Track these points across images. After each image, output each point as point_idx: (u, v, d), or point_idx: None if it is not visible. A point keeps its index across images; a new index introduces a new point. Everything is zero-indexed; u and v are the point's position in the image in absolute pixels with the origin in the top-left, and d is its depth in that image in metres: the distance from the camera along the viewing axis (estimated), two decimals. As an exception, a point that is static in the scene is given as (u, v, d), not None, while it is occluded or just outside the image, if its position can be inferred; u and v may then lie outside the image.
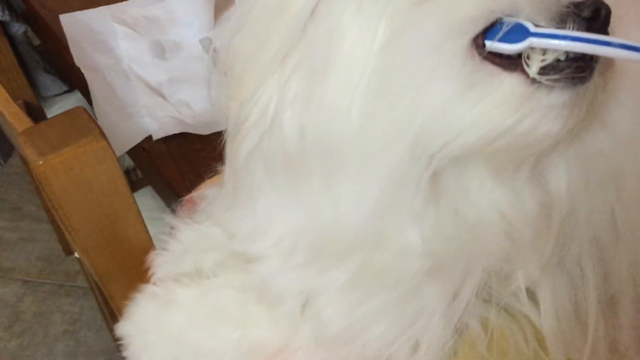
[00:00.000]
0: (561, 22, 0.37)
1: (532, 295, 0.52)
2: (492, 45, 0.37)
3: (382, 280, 0.46)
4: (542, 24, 0.37)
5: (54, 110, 1.38)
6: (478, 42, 0.37)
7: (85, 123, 0.54)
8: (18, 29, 1.22)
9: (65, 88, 1.40)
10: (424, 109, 0.38)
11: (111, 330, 1.46)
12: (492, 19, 0.37)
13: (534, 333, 0.52)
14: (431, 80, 0.38)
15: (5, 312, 1.58)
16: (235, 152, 0.48)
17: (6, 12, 1.16)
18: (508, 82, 0.37)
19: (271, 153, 0.45)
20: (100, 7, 0.98)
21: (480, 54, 0.37)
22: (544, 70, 0.37)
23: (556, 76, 0.36)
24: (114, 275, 0.62)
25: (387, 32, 0.39)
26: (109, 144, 0.54)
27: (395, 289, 0.46)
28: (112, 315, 1.43)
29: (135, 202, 0.59)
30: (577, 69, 0.37)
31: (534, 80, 0.37)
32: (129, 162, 1.06)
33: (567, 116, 0.38)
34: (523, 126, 0.37)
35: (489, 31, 0.37)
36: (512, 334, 0.51)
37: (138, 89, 0.84)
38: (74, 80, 0.95)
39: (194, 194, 0.66)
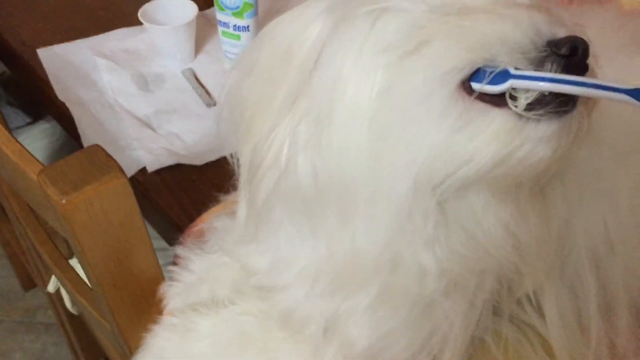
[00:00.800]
0: (540, 65, 0.41)
1: (537, 307, 0.56)
2: (478, 88, 0.41)
3: (402, 300, 0.49)
4: (521, 67, 0.41)
5: (21, 140, 1.35)
6: (465, 85, 0.42)
7: (104, 160, 0.55)
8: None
9: (28, 120, 1.38)
10: (422, 148, 0.42)
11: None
12: (474, 68, 0.41)
13: (541, 342, 0.56)
14: (424, 125, 0.42)
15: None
16: (254, 193, 0.50)
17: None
18: (499, 118, 0.41)
19: (289, 193, 0.48)
20: (77, 41, 0.98)
21: (469, 94, 0.41)
22: (530, 106, 0.41)
23: (541, 111, 0.41)
24: (125, 309, 0.62)
25: (382, 82, 0.43)
26: (127, 179, 0.55)
27: (414, 307, 0.49)
28: (84, 350, 1.40)
29: (149, 236, 0.60)
30: (560, 103, 0.41)
31: (522, 115, 0.41)
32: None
33: (556, 144, 0.41)
34: (516, 157, 0.41)
35: (475, 74, 0.42)
36: (522, 345, 0.55)
37: (126, 121, 0.84)
38: (55, 115, 0.95)
39: (201, 225, 0.68)
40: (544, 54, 0.41)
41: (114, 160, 0.55)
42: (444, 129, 0.41)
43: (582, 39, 0.42)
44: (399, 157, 0.43)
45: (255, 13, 0.89)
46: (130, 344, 0.67)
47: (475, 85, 0.41)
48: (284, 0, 0.55)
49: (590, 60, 0.42)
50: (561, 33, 0.42)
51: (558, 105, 0.41)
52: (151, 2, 0.93)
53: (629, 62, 0.57)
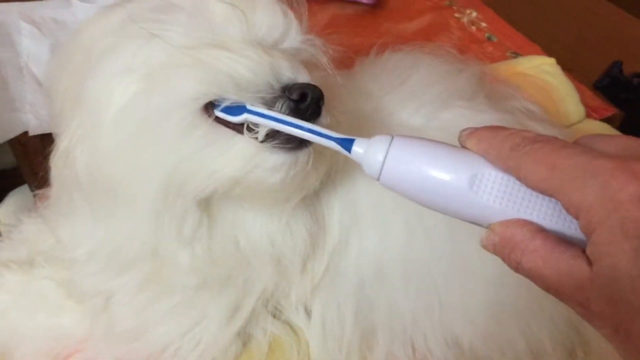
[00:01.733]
0: (272, 104, 0.46)
1: (309, 314, 0.60)
2: (218, 114, 0.47)
3: (166, 288, 0.54)
4: (254, 105, 0.46)
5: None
6: (209, 109, 0.47)
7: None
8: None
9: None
10: (168, 160, 0.47)
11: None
12: (208, 99, 0.47)
13: (306, 344, 0.61)
14: (169, 140, 0.47)
15: None
16: (54, 173, 0.56)
17: None
18: (240, 143, 0.46)
19: (71, 180, 0.53)
20: (11, 3, 1.03)
21: (211, 117, 0.47)
22: (267, 136, 0.46)
23: (275, 142, 0.45)
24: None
25: (132, 98, 0.48)
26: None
27: (176, 297, 0.54)
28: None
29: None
30: (287, 140, 0.47)
31: (260, 143, 0.46)
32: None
33: (284, 174, 0.47)
34: (252, 178, 0.46)
35: (218, 101, 0.47)
36: (289, 346, 0.60)
37: (28, 85, 0.89)
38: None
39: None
40: (277, 95, 0.46)
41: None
42: (188, 145, 0.46)
43: (315, 87, 0.47)
44: (148, 165, 0.48)
45: None
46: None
47: (217, 113, 0.47)
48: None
49: (324, 108, 0.47)
50: (300, 79, 0.47)
51: (285, 141, 0.46)
52: (83, -21, 0.97)
53: (432, 114, 0.61)
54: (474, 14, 1.23)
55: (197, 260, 0.51)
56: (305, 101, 0.46)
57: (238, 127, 0.47)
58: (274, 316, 0.60)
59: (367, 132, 0.60)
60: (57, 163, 0.54)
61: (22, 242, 0.65)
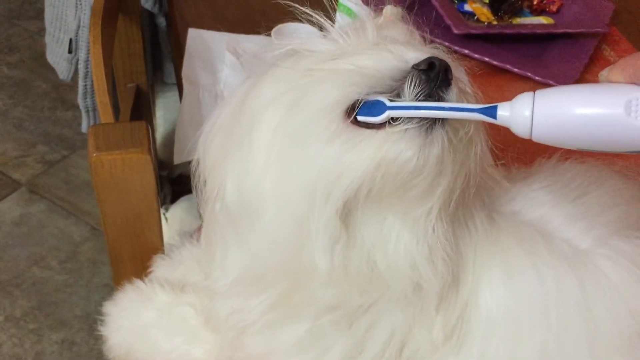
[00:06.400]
0: (402, 86, 0.49)
1: None
2: (360, 118, 0.49)
3: (295, 312, 0.55)
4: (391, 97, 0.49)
5: (167, 95, 1.54)
6: (350, 115, 0.49)
7: (141, 136, 0.66)
8: (162, 21, 1.40)
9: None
10: (315, 165, 0.50)
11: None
12: (351, 100, 0.50)
13: None
14: (315, 147, 0.50)
15: (66, 248, 1.76)
16: (206, 217, 0.60)
17: (157, 5, 1.33)
18: (379, 136, 0.49)
19: (220, 213, 0.57)
20: (222, 32, 1.12)
21: (354, 123, 0.49)
22: (400, 120, 0.48)
23: (410, 124, 0.48)
24: (122, 262, 0.73)
25: (281, 116, 0.52)
26: (152, 158, 0.66)
27: (305, 324, 0.55)
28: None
29: (158, 209, 0.70)
30: (426, 119, 0.48)
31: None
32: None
33: (423, 151, 0.48)
34: (389, 156, 0.48)
35: (358, 106, 0.49)
36: None
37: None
38: (179, 86, 1.09)
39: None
40: (406, 73, 0.49)
41: (149, 140, 0.66)
42: (333, 150, 0.49)
43: (440, 58, 0.49)
44: (295, 175, 0.51)
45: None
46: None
47: (359, 118, 0.49)
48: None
49: (455, 77, 0.50)
50: (424, 57, 0.50)
51: (422, 120, 0.48)
52: (288, 24, 1.03)
53: (602, 240, 0.57)
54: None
55: (335, 271, 0.52)
56: (433, 69, 0.48)
57: (377, 126, 0.49)
58: None
59: (530, 243, 0.58)
60: (209, 202, 0.58)
61: (179, 264, 0.70)
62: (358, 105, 0.49)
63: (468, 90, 0.53)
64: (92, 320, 1.60)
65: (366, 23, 0.56)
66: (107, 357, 0.71)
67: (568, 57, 1.07)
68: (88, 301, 1.64)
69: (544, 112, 0.41)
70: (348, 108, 0.50)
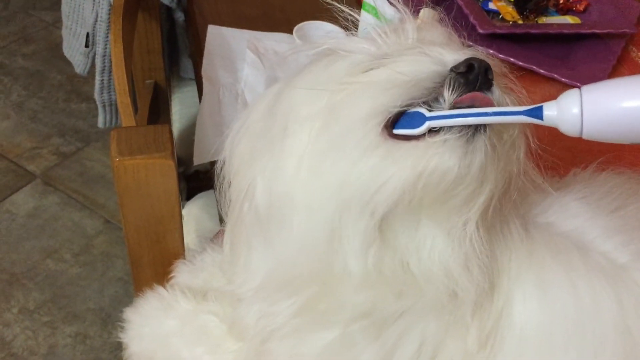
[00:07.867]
0: (436, 101, 0.47)
1: None
2: (399, 132, 0.48)
3: (322, 320, 0.54)
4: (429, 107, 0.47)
5: (183, 90, 1.53)
6: (389, 128, 0.48)
7: (164, 140, 0.64)
8: (180, 15, 1.38)
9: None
10: (352, 176, 0.48)
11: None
12: (390, 113, 0.48)
13: None
14: (351, 156, 0.48)
15: (80, 240, 1.75)
16: (231, 219, 0.59)
17: (175, 0, 1.31)
18: (420, 147, 0.47)
19: (249, 216, 0.55)
20: (243, 30, 1.10)
21: (392, 136, 0.48)
22: (441, 129, 0.46)
23: (450, 134, 0.46)
24: (142, 267, 0.72)
25: (319, 129, 0.50)
26: (175, 163, 0.64)
27: (334, 329, 0.53)
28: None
29: (180, 214, 0.69)
30: (468, 127, 0.46)
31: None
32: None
33: (465, 159, 0.46)
34: (430, 166, 0.46)
35: (398, 120, 0.48)
36: None
37: (240, 112, 0.94)
38: (197, 83, 1.08)
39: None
40: (444, 77, 0.47)
41: (172, 144, 0.64)
42: (372, 162, 0.47)
43: (479, 59, 0.47)
44: (328, 182, 0.49)
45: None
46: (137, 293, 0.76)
47: (396, 131, 0.47)
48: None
49: (496, 78, 0.48)
50: (462, 58, 0.48)
51: (464, 128, 0.46)
52: (309, 22, 1.01)
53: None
54: None
55: (369, 273, 0.50)
56: (472, 71, 0.47)
57: (418, 137, 0.48)
58: None
59: (565, 256, 0.56)
60: (234, 203, 0.57)
61: (201, 270, 0.69)
62: (396, 118, 0.48)
63: (512, 87, 0.52)
64: (105, 314, 1.60)
65: (407, 24, 0.54)
66: (120, 351, 0.70)
67: (595, 58, 1.05)
68: (102, 294, 1.64)
69: (593, 108, 0.40)
70: (386, 120, 0.48)
